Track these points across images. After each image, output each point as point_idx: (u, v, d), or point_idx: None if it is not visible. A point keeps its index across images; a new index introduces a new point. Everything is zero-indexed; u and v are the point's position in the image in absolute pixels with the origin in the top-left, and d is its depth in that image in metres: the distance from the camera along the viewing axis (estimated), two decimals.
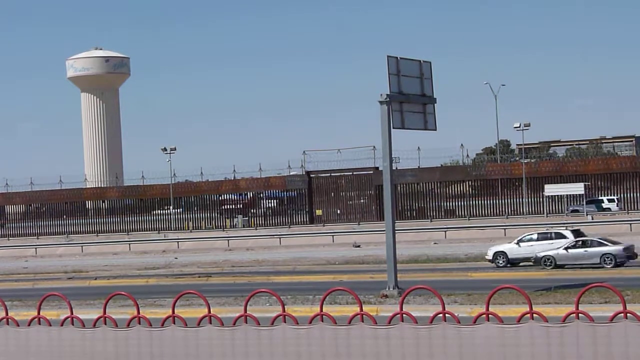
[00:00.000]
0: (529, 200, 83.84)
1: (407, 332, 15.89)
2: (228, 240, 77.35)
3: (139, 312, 19.16)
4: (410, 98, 36.79)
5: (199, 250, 74.19)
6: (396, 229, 38.06)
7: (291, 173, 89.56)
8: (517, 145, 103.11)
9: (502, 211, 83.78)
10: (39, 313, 19.44)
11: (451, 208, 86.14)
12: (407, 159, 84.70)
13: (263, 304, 32.31)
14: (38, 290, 40.81)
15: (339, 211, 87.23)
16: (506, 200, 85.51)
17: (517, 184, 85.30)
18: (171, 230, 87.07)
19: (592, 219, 73.28)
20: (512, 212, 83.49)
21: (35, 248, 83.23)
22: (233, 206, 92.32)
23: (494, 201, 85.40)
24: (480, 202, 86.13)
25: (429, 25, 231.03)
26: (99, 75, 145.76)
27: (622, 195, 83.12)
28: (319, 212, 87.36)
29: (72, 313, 19.48)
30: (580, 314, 16.87)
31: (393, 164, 39.13)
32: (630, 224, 69.15)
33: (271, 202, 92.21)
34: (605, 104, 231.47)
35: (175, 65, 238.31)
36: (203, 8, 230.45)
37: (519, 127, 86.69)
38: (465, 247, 54.97)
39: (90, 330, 18.03)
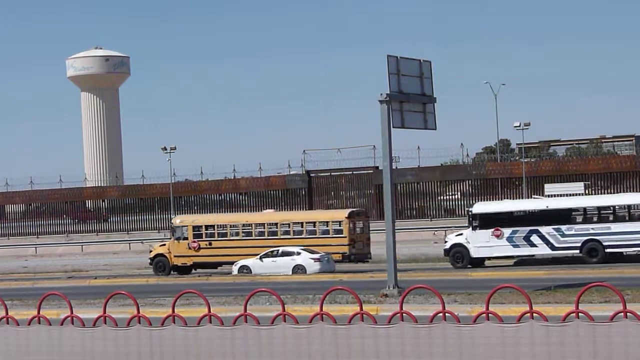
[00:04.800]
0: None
1: (407, 331, 15.89)
2: None
3: (139, 312, 19.15)
4: (410, 97, 36.79)
5: None
6: (396, 228, 38.07)
7: (291, 172, 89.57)
8: (517, 144, 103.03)
9: None
10: (39, 312, 19.43)
11: (451, 207, 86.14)
12: (407, 159, 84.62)
13: (263, 303, 32.31)
14: (38, 290, 40.80)
15: None
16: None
17: (517, 183, 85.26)
18: None
19: None
20: None
21: (35, 247, 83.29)
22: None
23: (495, 200, 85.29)
24: (480, 201, 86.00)
25: (429, 24, 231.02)
26: (99, 75, 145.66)
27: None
28: None
29: (72, 312, 19.47)
30: (580, 314, 16.86)
31: (393, 164, 39.14)
32: None
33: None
34: (605, 103, 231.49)
35: (175, 64, 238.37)
36: (204, 8, 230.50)
37: (519, 126, 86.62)
38: None
39: (90, 330, 18.02)
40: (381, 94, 35.64)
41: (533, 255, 49.12)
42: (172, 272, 53.23)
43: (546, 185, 79.63)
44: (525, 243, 48.53)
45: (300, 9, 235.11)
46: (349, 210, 55.51)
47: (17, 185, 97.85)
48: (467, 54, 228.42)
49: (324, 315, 17.95)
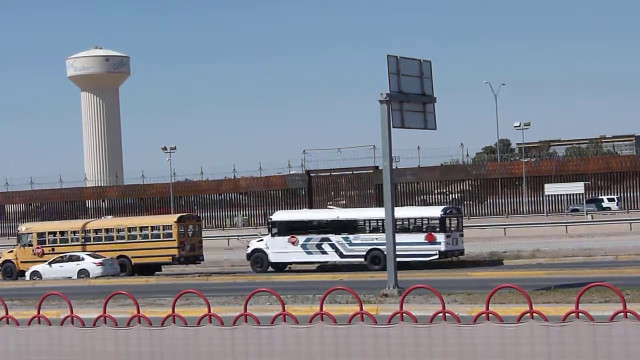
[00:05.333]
0: (529, 199, 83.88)
1: (407, 331, 15.87)
2: (228, 239, 77.35)
3: (139, 312, 19.14)
4: (410, 97, 36.77)
5: None
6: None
7: (291, 172, 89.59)
8: (517, 144, 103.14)
9: (502, 210, 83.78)
10: (38, 312, 19.42)
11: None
12: (407, 158, 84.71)
13: (263, 303, 32.31)
14: (38, 290, 40.81)
15: None
16: (506, 200, 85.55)
17: (517, 183, 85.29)
18: None
19: (592, 218, 73.36)
20: (512, 211, 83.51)
21: None
22: None
23: (494, 200, 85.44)
24: (480, 201, 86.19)
25: (429, 24, 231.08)
26: (98, 75, 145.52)
27: (622, 195, 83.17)
28: None
29: (72, 312, 19.46)
30: (580, 313, 16.86)
31: (393, 163, 39.14)
32: (630, 223, 69.26)
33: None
34: (605, 103, 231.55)
35: (175, 64, 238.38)
36: (204, 8, 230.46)
37: (519, 126, 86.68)
38: (465, 247, 54.96)
39: (90, 330, 18.01)
40: (381, 94, 35.62)
41: (327, 262, 51.26)
42: (19, 278, 55.16)
43: (546, 185, 79.68)
44: (318, 250, 50.85)
45: (300, 9, 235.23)
46: (179, 215, 58.47)
47: (17, 185, 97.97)
48: (467, 54, 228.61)
49: (324, 315, 17.94)
